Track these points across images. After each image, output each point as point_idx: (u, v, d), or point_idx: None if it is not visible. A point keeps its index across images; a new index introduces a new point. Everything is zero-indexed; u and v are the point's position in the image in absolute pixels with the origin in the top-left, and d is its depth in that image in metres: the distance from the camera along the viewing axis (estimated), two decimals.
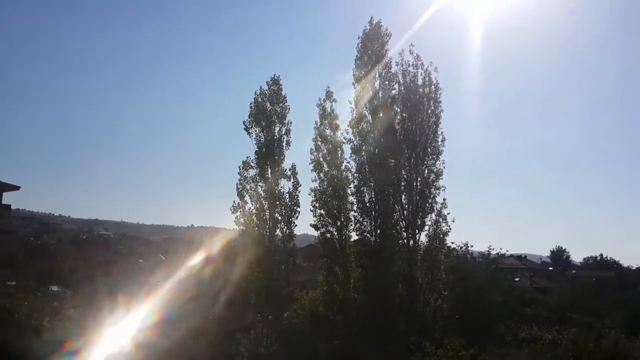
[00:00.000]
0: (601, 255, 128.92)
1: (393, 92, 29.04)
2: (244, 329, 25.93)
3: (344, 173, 28.20)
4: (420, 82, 29.26)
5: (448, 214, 28.40)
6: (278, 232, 26.99)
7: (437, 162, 28.99)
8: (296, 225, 27.37)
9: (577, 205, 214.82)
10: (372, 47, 28.84)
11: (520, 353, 30.62)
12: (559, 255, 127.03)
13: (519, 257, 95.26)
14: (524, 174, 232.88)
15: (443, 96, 29.45)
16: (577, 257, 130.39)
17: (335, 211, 27.59)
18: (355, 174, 28.25)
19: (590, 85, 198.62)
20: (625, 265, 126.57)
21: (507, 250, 68.65)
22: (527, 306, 51.98)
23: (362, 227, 27.94)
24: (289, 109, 28.20)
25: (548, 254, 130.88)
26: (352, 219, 27.96)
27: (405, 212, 28.86)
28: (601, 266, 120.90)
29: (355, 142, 28.28)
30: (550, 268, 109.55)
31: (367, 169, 28.08)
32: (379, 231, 28.01)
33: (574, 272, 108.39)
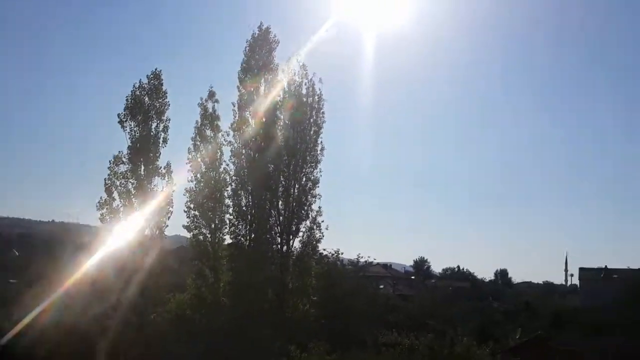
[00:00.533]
0: (458, 266, 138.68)
1: (277, 99, 29.11)
2: (103, 333, 24.52)
3: (222, 175, 27.83)
4: (304, 91, 29.61)
5: (322, 221, 28.99)
6: (147, 232, 26.03)
7: (315, 171, 29.49)
8: (167, 225, 26.61)
9: (438, 218, 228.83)
10: (259, 52, 28.77)
11: (380, 357, 31.97)
12: (420, 265, 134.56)
13: (385, 266, 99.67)
14: (394, 188, 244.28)
15: (331, 106, 30.01)
16: (437, 267, 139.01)
17: (210, 213, 27.13)
18: (233, 177, 28.01)
19: (471, 106, 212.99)
20: (479, 277, 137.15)
21: (375, 259, 71.60)
22: (389, 313, 54.47)
23: (237, 230, 27.76)
24: (169, 105, 27.34)
25: (411, 263, 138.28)
26: (227, 222, 27.69)
27: (281, 217, 29.05)
28: (458, 277, 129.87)
29: (235, 145, 28.04)
30: (413, 277, 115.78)
31: (245, 173, 27.92)
32: (253, 235, 27.94)
33: (433, 281, 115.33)
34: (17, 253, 56.98)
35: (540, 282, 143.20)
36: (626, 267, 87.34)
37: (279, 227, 28.92)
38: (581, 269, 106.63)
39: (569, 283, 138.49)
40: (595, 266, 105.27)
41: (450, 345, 30.05)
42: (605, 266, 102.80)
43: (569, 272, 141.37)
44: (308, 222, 29.02)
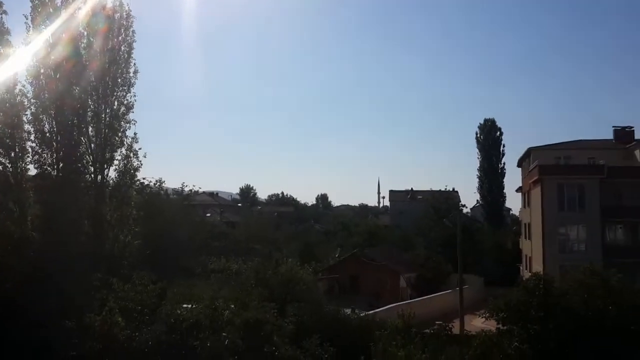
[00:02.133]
0: (282, 192, 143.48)
1: (78, 11, 26.25)
2: None
3: (19, 98, 24.71)
4: (110, 5, 27.28)
5: (139, 149, 27.63)
6: None
7: (129, 95, 27.73)
8: None
9: (263, 146, 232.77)
10: None
11: (207, 282, 32.22)
12: (247, 193, 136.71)
13: (211, 194, 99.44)
14: (219, 115, 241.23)
15: (143, 28, 27.98)
16: (262, 194, 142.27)
17: (8, 140, 24.11)
18: (32, 100, 25.03)
19: (291, 31, 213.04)
20: (302, 202, 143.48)
21: (200, 188, 71.07)
22: (216, 240, 54.96)
23: (42, 159, 25.12)
24: None
25: (238, 191, 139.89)
26: (30, 150, 24.91)
27: (92, 145, 27.05)
28: (282, 202, 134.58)
29: (32, 63, 24.94)
30: (240, 204, 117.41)
31: (46, 95, 25.12)
32: (61, 165, 25.58)
33: (259, 207, 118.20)
34: None
35: (357, 204, 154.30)
36: (429, 189, 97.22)
37: (91, 156, 26.95)
38: (391, 192, 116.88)
39: (381, 205, 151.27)
40: (403, 189, 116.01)
41: (275, 266, 31.20)
42: (412, 188, 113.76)
43: (381, 195, 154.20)
44: (123, 150, 27.54)
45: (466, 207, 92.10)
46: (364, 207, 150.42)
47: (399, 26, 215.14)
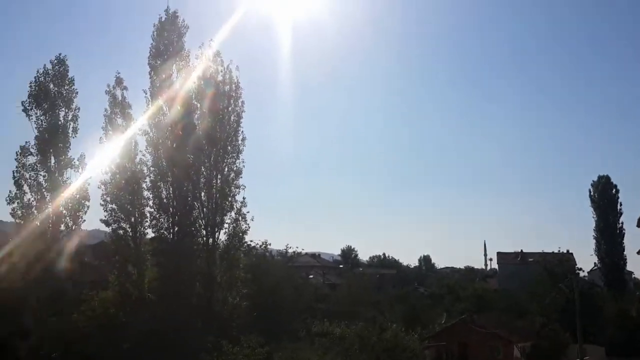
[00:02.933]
0: (384, 254, 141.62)
1: (192, 85, 28.12)
2: (22, 334, 22.83)
3: (139, 166, 26.58)
4: (220, 78, 28.86)
5: (247, 212, 28.39)
6: (63, 227, 24.52)
7: (238, 161, 28.85)
8: (84, 220, 25.17)
9: (363, 207, 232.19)
10: (169, 37, 27.71)
11: (312, 348, 31.78)
12: (348, 254, 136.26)
13: (314, 255, 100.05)
14: (320, 177, 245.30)
15: (250, 96, 29.42)
16: (364, 256, 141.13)
17: (128, 206, 25.84)
18: (151, 168, 26.81)
19: (389, 94, 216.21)
20: (404, 264, 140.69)
21: (303, 249, 71.84)
22: (320, 302, 54.69)
23: (159, 224, 26.63)
24: (77, 93, 25.90)
25: (339, 252, 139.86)
26: (148, 215, 26.49)
27: (205, 209, 28.22)
28: (384, 264, 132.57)
29: (151, 134, 26.85)
30: (341, 266, 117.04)
31: (164, 164, 26.80)
32: (177, 228, 26.91)
33: (361, 269, 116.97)
34: None
35: (462, 267, 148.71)
36: (540, 251, 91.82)
37: (203, 220, 28.07)
38: (499, 254, 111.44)
39: (488, 267, 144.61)
40: (512, 250, 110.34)
41: (379, 332, 30.26)
42: (521, 250, 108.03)
43: (487, 257, 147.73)
44: (233, 214, 28.40)
45: (583, 271, 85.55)
46: (470, 270, 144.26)
47: (495, 82, 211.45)
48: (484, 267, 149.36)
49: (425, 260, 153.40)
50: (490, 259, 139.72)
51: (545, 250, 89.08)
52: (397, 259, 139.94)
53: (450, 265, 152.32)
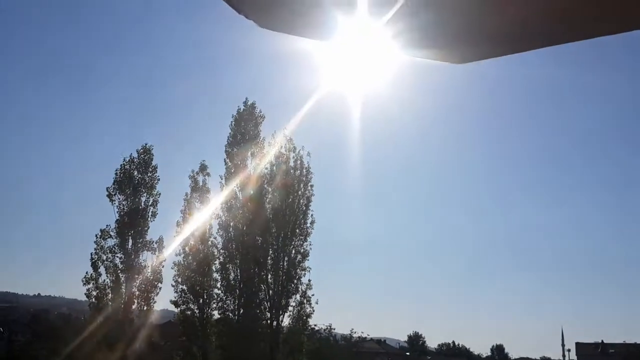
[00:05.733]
0: (453, 342, 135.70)
1: (265, 171, 29.34)
2: None
3: (211, 249, 27.55)
4: (292, 164, 29.90)
5: (312, 295, 28.46)
6: (134, 307, 25.46)
7: (305, 243, 29.23)
8: (156, 301, 26.06)
9: (432, 292, 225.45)
10: (245, 126, 29.35)
11: None
12: (415, 341, 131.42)
13: (379, 341, 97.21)
14: (386, 260, 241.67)
15: (320, 176, 30.21)
16: (432, 343, 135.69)
17: (198, 287, 26.61)
18: (221, 250, 27.71)
19: (462, 176, 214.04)
20: (475, 352, 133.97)
21: (368, 334, 70.06)
22: None
23: (225, 305, 27.13)
24: (159, 179, 27.59)
25: (405, 338, 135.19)
26: (215, 296, 27.11)
27: (270, 291, 28.50)
28: (454, 353, 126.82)
29: (223, 217, 27.97)
30: (407, 353, 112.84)
31: (233, 246, 27.68)
32: (242, 310, 27.28)
33: (429, 358, 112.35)
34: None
35: (538, 358, 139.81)
36: (622, 342, 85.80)
37: (268, 302, 28.30)
38: (578, 344, 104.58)
39: (566, 358, 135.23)
40: (592, 341, 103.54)
41: None
42: (602, 341, 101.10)
43: (565, 347, 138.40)
44: (298, 296, 28.48)
45: None
46: None
47: (577, 160, 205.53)
48: (561, 358, 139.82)
49: (498, 350, 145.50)
50: (569, 350, 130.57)
51: (628, 341, 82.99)
52: (467, 347, 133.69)
53: (525, 356, 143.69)
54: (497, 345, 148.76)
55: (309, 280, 28.62)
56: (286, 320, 28.52)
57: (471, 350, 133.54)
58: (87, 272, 24.96)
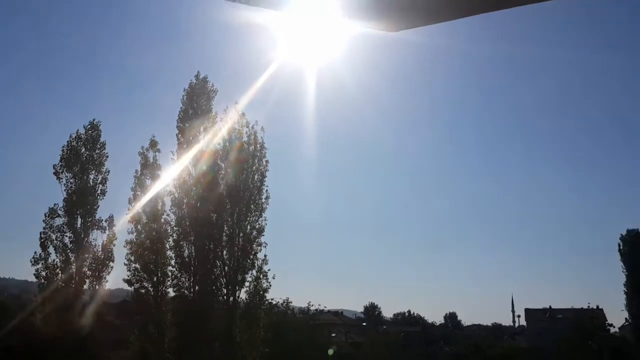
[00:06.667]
0: (408, 311, 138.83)
1: (218, 147, 28.94)
2: None
3: (164, 226, 27.13)
4: (245, 139, 29.60)
5: (269, 270, 28.51)
6: (86, 287, 24.96)
7: (260, 219, 29.11)
8: (107, 280, 25.60)
9: (387, 263, 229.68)
10: (197, 100, 28.78)
11: None
12: (371, 311, 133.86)
13: (336, 313, 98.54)
14: (342, 235, 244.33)
15: (275, 152, 30.00)
16: (387, 312, 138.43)
17: (151, 265, 26.26)
18: (175, 228, 27.33)
19: (414, 149, 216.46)
20: (429, 321, 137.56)
21: (325, 307, 70.89)
22: None
23: (180, 282, 26.91)
24: (107, 156, 26.86)
25: (362, 309, 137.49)
26: (170, 274, 26.82)
27: (226, 267, 28.41)
28: (409, 322, 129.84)
29: (176, 194, 27.53)
30: (364, 324, 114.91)
31: (187, 223, 27.33)
32: (197, 287, 27.11)
33: (385, 327, 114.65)
34: None
35: (489, 324, 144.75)
36: (570, 307, 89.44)
37: (224, 278, 28.21)
38: (527, 310, 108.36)
39: (516, 324, 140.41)
40: (541, 307, 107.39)
41: None
42: (550, 306, 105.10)
43: (516, 313, 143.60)
44: (254, 272, 28.47)
45: (614, 327, 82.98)
46: (497, 327, 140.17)
47: (516, 130, 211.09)
48: (511, 324, 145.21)
49: (451, 318, 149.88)
50: (519, 316, 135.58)
51: (575, 306, 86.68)
52: (422, 316, 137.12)
53: (477, 323, 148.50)
54: (450, 313, 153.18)
55: (265, 256, 28.70)
56: (243, 296, 28.59)
57: (425, 318, 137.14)
58: (35, 252, 24.31)
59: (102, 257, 25.20)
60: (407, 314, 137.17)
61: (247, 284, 28.42)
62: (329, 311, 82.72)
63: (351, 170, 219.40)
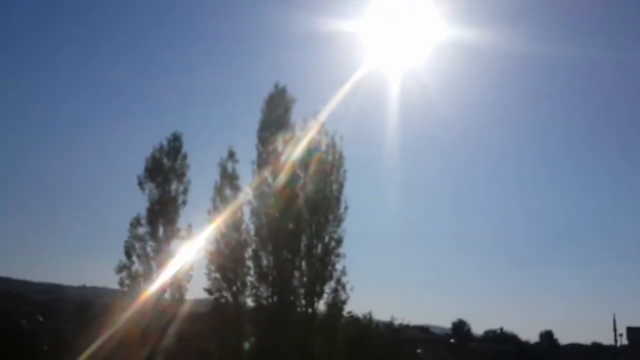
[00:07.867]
0: (500, 328, 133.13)
1: (297, 157, 28.89)
2: None
3: (243, 236, 27.37)
4: (324, 149, 29.39)
5: (347, 282, 27.98)
6: (167, 295, 25.52)
7: (339, 229, 28.74)
8: (187, 289, 26.12)
9: (477, 279, 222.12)
10: (276, 111, 28.94)
11: None
12: (460, 328, 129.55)
13: (422, 329, 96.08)
14: (428, 246, 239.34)
15: (356, 165, 29.67)
16: (478, 329, 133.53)
17: (231, 275, 26.52)
18: (254, 237, 27.52)
19: (507, 163, 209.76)
20: (523, 339, 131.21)
21: (410, 321, 69.15)
22: None
23: (259, 293, 27.00)
24: (189, 167, 27.55)
25: (450, 325, 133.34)
26: (249, 284, 26.97)
27: (304, 278, 28.21)
28: (500, 339, 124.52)
29: (255, 204, 27.70)
30: (452, 340, 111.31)
31: (266, 233, 27.42)
32: (276, 298, 27.07)
33: (475, 345, 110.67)
34: (41, 319, 57.09)
35: (589, 343, 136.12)
36: None
37: (302, 289, 28.01)
38: (629, 329, 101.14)
39: (618, 343, 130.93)
40: None
41: None
42: None
43: (617, 332, 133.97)
44: (332, 283, 28.08)
45: None
46: (597, 347, 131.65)
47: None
48: (613, 343, 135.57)
49: (547, 336, 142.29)
50: (620, 335, 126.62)
51: None
52: (515, 333, 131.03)
53: (575, 342, 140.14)
54: (546, 331, 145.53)
55: (344, 267, 28.20)
56: (321, 307, 28.24)
57: (519, 336, 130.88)
58: (120, 261, 25.31)
59: (184, 266, 25.73)
60: (499, 332, 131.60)
61: (325, 295, 28.09)
62: (414, 327, 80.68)
63: (439, 180, 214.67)
